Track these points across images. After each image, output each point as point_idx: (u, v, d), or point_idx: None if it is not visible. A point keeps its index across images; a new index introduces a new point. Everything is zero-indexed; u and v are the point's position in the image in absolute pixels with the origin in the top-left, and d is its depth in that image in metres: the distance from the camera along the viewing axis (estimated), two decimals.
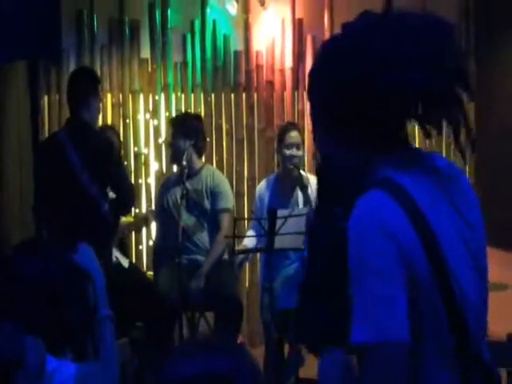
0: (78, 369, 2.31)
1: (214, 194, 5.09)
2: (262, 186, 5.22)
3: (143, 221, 5.78)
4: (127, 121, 6.30)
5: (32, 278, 2.43)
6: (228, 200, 5.14)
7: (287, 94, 6.46)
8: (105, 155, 4.64)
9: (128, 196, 4.84)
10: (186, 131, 5.06)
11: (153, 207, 5.97)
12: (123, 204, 4.84)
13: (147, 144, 6.34)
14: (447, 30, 1.59)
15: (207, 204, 5.09)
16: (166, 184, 5.34)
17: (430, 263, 1.47)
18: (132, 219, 5.71)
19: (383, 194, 1.50)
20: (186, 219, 5.02)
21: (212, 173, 5.20)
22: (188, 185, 5.00)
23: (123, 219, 5.34)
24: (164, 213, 5.17)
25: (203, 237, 5.10)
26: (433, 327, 1.48)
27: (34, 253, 2.59)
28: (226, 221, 5.02)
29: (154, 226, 5.65)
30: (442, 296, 1.48)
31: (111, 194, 4.75)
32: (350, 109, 1.54)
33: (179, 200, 4.93)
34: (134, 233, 6.10)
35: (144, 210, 6.21)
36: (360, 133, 1.57)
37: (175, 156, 5.12)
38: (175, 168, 6.06)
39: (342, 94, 1.54)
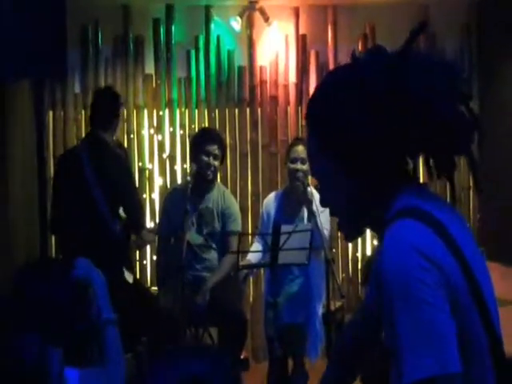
0: (82, 373, 2.33)
1: (225, 216, 5.09)
2: (269, 200, 5.23)
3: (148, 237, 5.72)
4: (131, 136, 6.32)
5: (38, 295, 2.46)
6: (238, 222, 5.16)
7: (291, 109, 6.48)
8: (119, 175, 4.69)
9: (138, 216, 4.88)
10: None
11: (151, 225, 5.98)
12: (134, 224, 4.87)
13: (151, 159, 6.36)
14: (457, 69, 1.60)
15: (218, 226, 5.09)
16: (170, 198, 5.32)
17: (469, 286, 1.47)
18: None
19: (415, 222, 1.49)
20: (195, 238, 5.02)
21: (223, 193, 5.19)
22: (198, 203, 5.02)
23: None
24: (168, 227, 5.16)
25: (212, 255, 5.10)
26: (475, 349, 1.48)
27: (39, 272, 2.62)
28: (235, 243, 5.00)
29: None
30: (481, 318, 1.49)
31: (122, 214, 4.78)
32: (368, 139, 1.54)
33: (188, 218, 4.90)
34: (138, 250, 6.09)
35: (148, 225, 6.21)
36: (373, 164, 1.57)
37: (215, 175, 5.15)
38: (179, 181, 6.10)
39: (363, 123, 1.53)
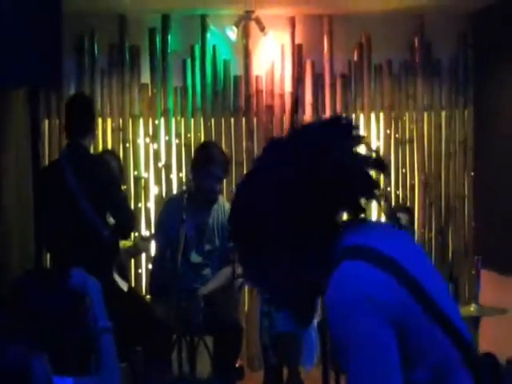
0: (77, 382, 2.33)
1: (224, 230, 5.01)
2: None
3: (143, 245, 5.71)
4: (127, 145, 6.32)
5: (35, 304, 2.46)
6: None
7: (286, 118, 6.49)
8: (104, 181, 4.67)
9: (127, 221, 4.85)
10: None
11: (143, 234, 5.98)
12: (123, 229, 4.85)
13: (147, 168, 6.36)
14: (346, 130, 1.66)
15: (217, 242, 5.04)
16: (166, 209, 5.26)
17: (424, 307, 1.51)
18: (132, 243, 5.70)
19: (355, 263, 1.51)
20: (195, 257, 5.00)
21: (223, 206, 5.09)
22: (198, 218, 4.97)
23: (122, 243, 5.33)
24: (165, 238, 5.13)
25: (208, 271, 5.07)
26: (443, 363, 1.52)
27: (35, 282, 2.62)
28: (235, 257, 4.97)
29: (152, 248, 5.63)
30: (445, 334, 1.52)
31: (111, 220, 4.76)
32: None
33: (184, 228, 4.83)
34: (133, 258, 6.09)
35: (143, 234, 6.22)
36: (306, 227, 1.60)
37: (217, 196, 5.08)
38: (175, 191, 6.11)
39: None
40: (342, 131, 1.63)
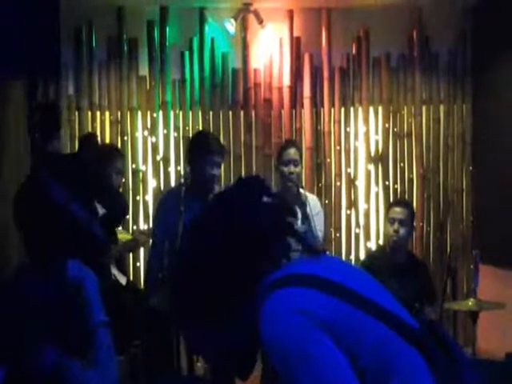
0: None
1: None
2: None
3: (142, 239, 5.65)
4: (125, 138, 6.31)
5: (31, 296, 2.45)
6: None
7: (285, 111, 6.48)
8: (84, 178, 4.60)
9: (117, 208, 4.81)
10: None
11: (144, 227, 5.96)
12: (113, 217, 4.81)
13: (145, 161, 6.35)
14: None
15: None
16: (164, 202, 5.25)
17: (362, 309, 1.58)
18: (130, 237, 5.68)
19: (278, 291, 1.59)
20: None
21: None
22: (196, 210, 4.94)
23: (121, 236, 5.32)
24: (163, 231, 5.11)
25: None
26: (391, 349, 1.58)
27: (32, 274, 2.62)
28: None
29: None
30: (388, 326, 1.59)
31: (101, 211, 4.72)
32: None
33: (182, 220, 4.83)
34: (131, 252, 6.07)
35: (141, 227, 6.21)
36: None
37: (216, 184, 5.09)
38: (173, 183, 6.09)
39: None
40: (251, 195, 1.73)
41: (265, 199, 1.74)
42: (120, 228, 5.91)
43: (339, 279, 1.62)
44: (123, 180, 5.80)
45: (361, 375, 1.53)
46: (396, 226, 5.10)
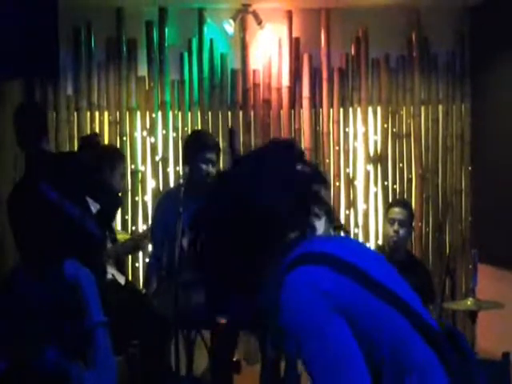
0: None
1: None
2: None
3: (141, 240, 5.62)
4: (124, 138, 6.31)
5: (28, 297, 2.45)
6: None
7: (284, 112, 6.49)
8: (76, 177, 4.59)
9: (110, 202, 4.81)
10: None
11: (143, 228, 5.96)
12: (107, 211, 4.81)
13: (144, 162, 6.35)
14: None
15: None
16: (163, 202, 5.26)
17: (374, 293, 1.62)
18: (129, 236, 5.69)
19: (305, 267, 1.62)
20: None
21: None
22: (192, 207, 4.94)
23: (120, 237, 5.32)
24: (162, 231, 5.11)
25: None
26: (398, 337, 1.60)
27: (29, 274, 2.62)
28: None
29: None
30: (400, 312, 1.62)
31: (94, 207, 4.72)
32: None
33: (181, 221, 4.84)
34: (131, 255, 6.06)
35: (140, 228, 6.21)
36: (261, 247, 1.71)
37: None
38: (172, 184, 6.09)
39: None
40: (288, 153, 1.77)
41: (298, 167, 1.76)
42: (119, 228, 5.92)
43: (363, 265, 1.65)
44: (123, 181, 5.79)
45: (380, 364, 1.55)
46: (396, 226, 5.11)
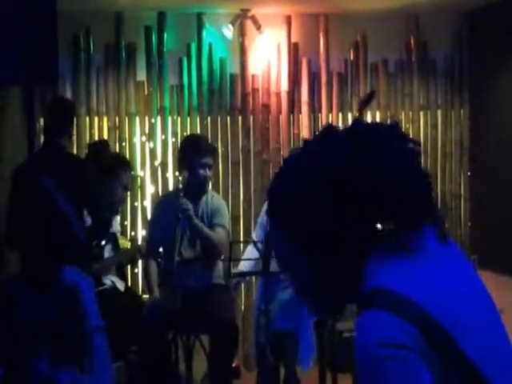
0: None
1: (212, 214, 5.05)
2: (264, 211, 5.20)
3: (139, 250, 5.58)
4: (123, 143, 6.31)
5: (24, 309, 2.45)
6: (225, 218, 5.11)
7: (283, 117, 6.49)
8: (81, 179, 4.61)
9: (101, 221, 4.83)
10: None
11: (143, 233, 5.94)
12: (98, 228, 4.82)
13: (143, 167, 6.35)
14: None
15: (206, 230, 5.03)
16: (161, 206, 5.26)
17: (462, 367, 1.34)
18: (129, 243, 5.68)
19: (380, 314, 1.36)
20: (188, 251, 4.99)
21: (211, 196, 5.16)
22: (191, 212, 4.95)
23: (121, 243, 5.31)
24: (160, 235, 5.11)
25: (200, 266, 5.05)
26: None
27: (24, 287, 2.61)
28: (220, 233, 4.99)
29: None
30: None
31: (88, 220, 4.73)
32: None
33: (180, 226, 4.83)
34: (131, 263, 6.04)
35: (139, 233, 6.21)
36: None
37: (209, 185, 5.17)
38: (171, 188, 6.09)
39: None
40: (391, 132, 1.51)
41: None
42: (119, 234, 5.91)
43: (456, 326, 1.35)
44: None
45: None
46: None
